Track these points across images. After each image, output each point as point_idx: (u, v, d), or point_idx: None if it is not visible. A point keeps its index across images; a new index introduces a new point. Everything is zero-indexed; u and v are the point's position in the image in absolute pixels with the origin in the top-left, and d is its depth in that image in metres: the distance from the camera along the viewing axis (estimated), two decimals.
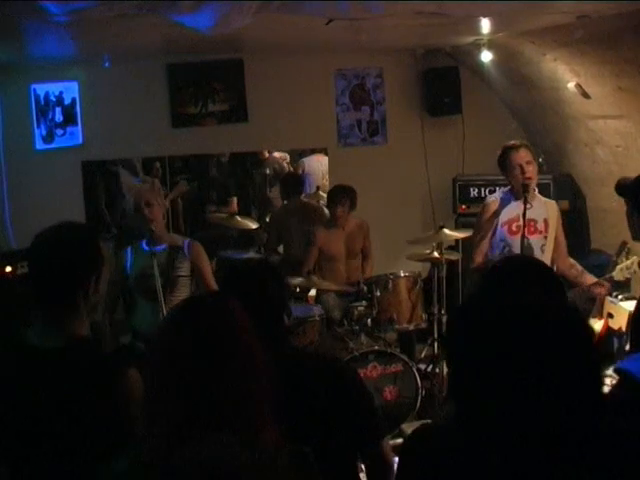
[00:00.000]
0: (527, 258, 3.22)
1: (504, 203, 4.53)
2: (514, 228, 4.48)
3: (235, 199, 7.69)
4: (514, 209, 4.49)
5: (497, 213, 4.52)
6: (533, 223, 4.50)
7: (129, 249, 4.24)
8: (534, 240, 4.50)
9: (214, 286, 4.18)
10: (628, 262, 4.68)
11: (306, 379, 2.28)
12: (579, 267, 4.68)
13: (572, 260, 4.71)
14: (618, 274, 4.68)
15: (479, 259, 4.51)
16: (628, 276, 4.61)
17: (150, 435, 1.61)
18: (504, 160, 4.50)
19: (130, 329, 4.20)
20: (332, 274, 5.80)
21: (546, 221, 4.57)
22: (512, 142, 4.57)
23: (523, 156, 4.42)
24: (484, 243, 4.54)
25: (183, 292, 4.11)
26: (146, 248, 4.16)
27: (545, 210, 4.60)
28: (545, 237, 4.57)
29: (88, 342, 2.17)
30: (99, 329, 3.97)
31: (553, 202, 4.81)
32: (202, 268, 4.23)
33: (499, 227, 4.52)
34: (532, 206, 4.41)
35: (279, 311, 2.41)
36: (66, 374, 2.01)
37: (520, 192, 4.40)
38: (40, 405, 2.00)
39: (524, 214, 4.31)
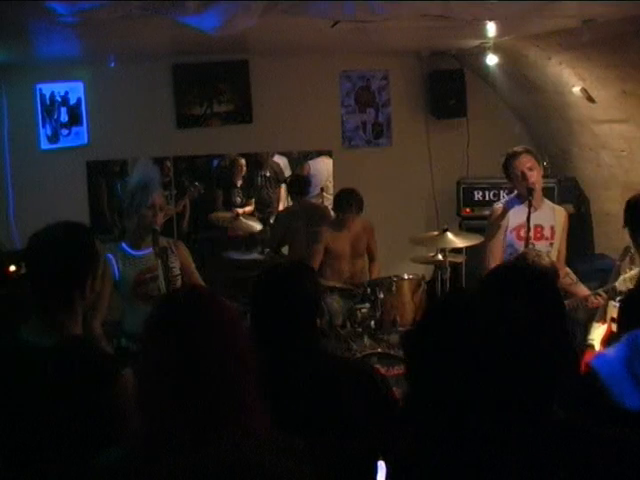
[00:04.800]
0: (518, 266, 2.99)
1: (509, 206, 4.51)
2: (522, 234, 4.41)
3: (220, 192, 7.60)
4: (523, 214, 4.41)
5: (502, 217, 4.49)
6: (540, 229, 4.45)
7: (110, 255, 3.94)
8: (539, 246, 4.39)
9: (200, 281, 4.19)
10: (632, 273, 4.62)
11: (334, 381, 2.30)
12: (573, 276, 4.60)
13: (567, 269, 4.62)
14: (621, 284, 4.62)
15: (491, 265, 4.31)
16: (631, 287, 4.52)
17: (142, 432, 1.63)
18: (507, 167, 4.48)
19: (121, 332, 4.10)
20: (336, 273, 5.79)
21: (552, 228, 4.52)
22: (514, 149, 4.53)
23: (525, 162, 4.39)
24: (494, 248, 4.48)
25: None
26: (133, 252, 4.02)
27: (553, 217, 4.55)
28: (551, 244, 4.51)
29: (82, 341, 2.18)
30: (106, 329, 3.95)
31: (562, 209, 4.74)
32: (189, 265, 4.22)
33: (508, 233, 4.48)
34: (536, 209, 4.38)
35: (312, 312, 2.42)
36: (59, 372, 2.02)
37: (526, 196, 4.38)
38: (32, 402, 2.01)
39: (528, 218, 4.28)
